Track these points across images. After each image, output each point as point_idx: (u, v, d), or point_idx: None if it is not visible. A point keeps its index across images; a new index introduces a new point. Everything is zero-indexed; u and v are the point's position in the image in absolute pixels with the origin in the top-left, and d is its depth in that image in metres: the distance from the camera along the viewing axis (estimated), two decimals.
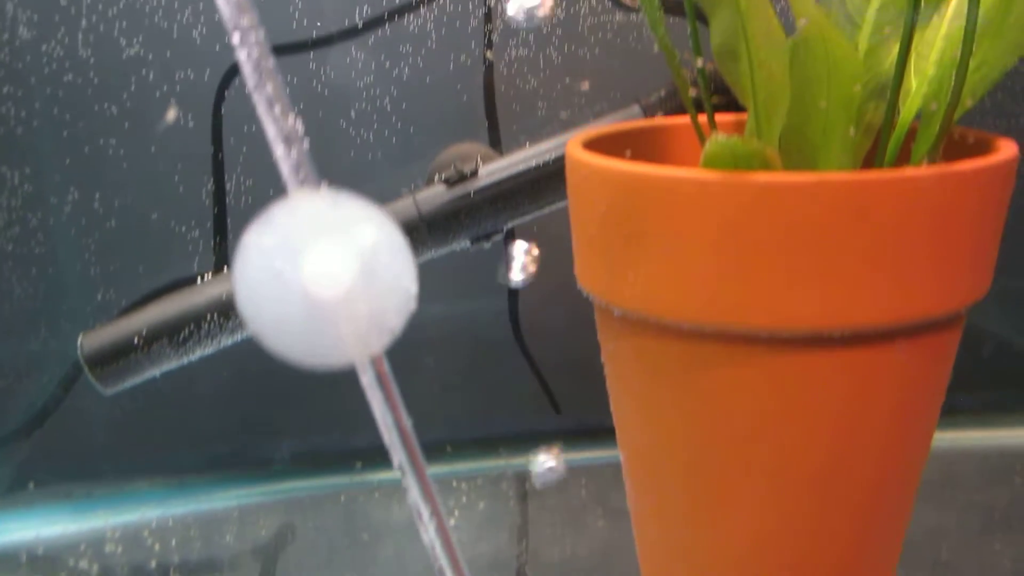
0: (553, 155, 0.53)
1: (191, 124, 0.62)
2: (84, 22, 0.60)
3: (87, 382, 0.55)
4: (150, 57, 0.61)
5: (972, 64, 0.36)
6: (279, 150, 0.23)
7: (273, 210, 0.21)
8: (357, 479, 0.66)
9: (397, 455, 0.26)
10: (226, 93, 0.59)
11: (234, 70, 0.59)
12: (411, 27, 0.62)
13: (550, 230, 0.54)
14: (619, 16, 0.63)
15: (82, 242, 0.64)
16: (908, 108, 0.40)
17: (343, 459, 0.67)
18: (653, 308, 0.36)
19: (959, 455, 0.65)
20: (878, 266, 0.33)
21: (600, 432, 0.52)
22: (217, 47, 0.61)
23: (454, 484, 0.64)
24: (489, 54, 0.61)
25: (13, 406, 0.65)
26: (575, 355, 0.53)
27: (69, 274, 0.65)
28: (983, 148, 0.38)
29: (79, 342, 0.54)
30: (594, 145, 0.42)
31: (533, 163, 0.53)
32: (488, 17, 0.61)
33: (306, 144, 0.23)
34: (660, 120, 0.49)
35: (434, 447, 0.68)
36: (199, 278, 0.56)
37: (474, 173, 0.53)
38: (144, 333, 0.54)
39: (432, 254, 0.55)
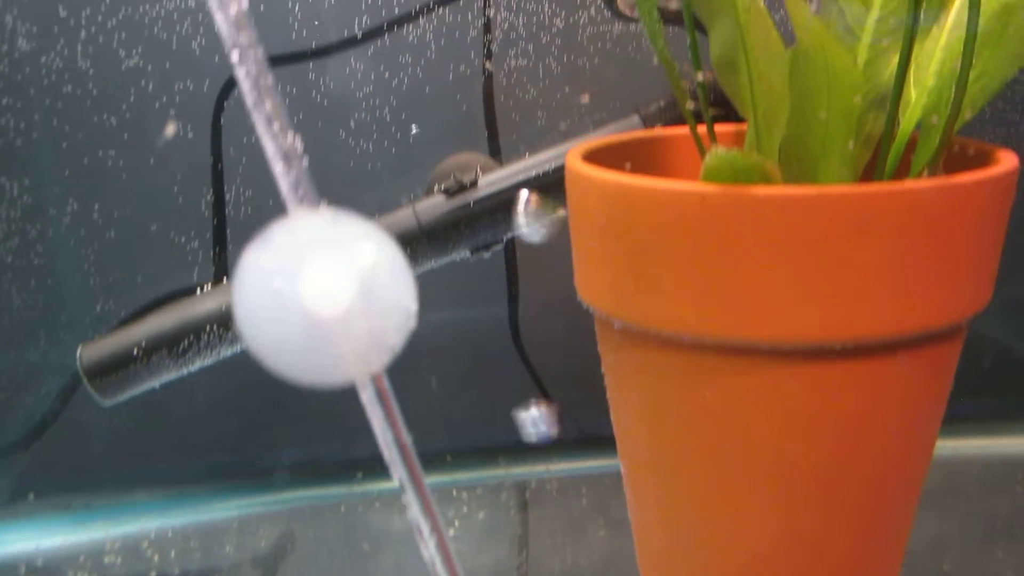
0: (553, 165, 0.53)
1: (190, 135, 0.62)
2: (83, 33, 0.60)
3: (86, 393, 0.55)
4: (149, 68, 0.61)
5: (972, 75, 0.36)
6: (278, 167, 0.23)
7: (272, 229, 0.21)
8: (357, 489, 0.65)
9: (398, 472, 0.26)
10: (225, 104, 0.59)
11: (233, 81, 0.59)
12: (410, 37, 0.62)
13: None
14: (618, 26, 0.63)
15: (81, 253, 0.64)
16: (908, 119, 0.40)
17: (343, 469, 0.67)
18: (654, 320, 0.36)
19: (961, 463, 0.65)
20: (879, 278, 0.33)
21: (600, 440, 0.52)
22: (216, 58, 0.61)
23: (454, 494, 0.64)
24: (488, 64, 0.61)
25: (12, 417, 0.65)
26: (575, 363, 0.53)
27: (68, 285, 0.65)
28: (983, 160, 0.38)
29: (78, 353, 0.54)
30: (594, 157, 0.42)
31: (533, 173, 0.53)
32: (487, 27, 0.61)
33: (305, 161, 0.23)
34: (660, 131, 0.49)
35: (434, 456, 0.68)
36: (198, 289, 0.56)
37: (474, 183, 0.53)
38: (143, 344, 0.54)
39: (432, 264, 0.55)
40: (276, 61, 0.60)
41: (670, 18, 0.52)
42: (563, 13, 0.63)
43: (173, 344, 0.54)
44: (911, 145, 0.40)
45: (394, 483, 0.26)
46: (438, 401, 0.69)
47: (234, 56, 0.22)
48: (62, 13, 0.60)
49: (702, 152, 0.43)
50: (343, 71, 0.63)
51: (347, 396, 0.28)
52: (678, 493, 0.40)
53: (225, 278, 0.59)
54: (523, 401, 0.67)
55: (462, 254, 0.55)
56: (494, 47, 0.61)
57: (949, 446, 0.66)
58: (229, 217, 0.61)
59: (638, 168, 0.45)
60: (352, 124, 0.64)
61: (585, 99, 0.63)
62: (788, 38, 0.36)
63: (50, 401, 0.63)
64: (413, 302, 0.22)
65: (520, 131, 0.63)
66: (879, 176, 0.39)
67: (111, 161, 0.63)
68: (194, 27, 0.60)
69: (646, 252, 0.35)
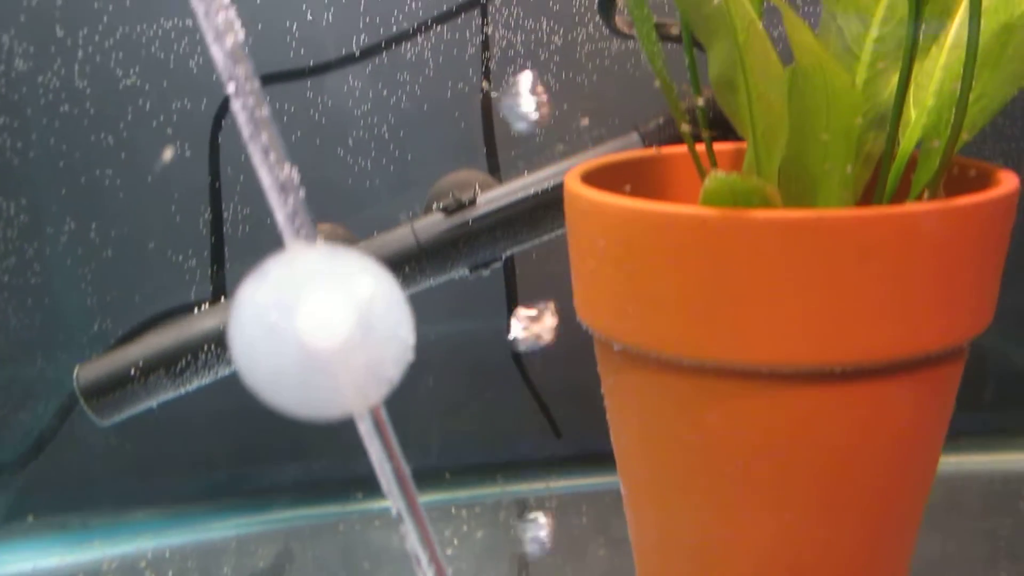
0: (552, 183, 0.53)
1: (188, 153, 0.62)
2: (80, 53, 0.60)
3: (83, 412, 0.55)
4: (147, 87, 0.61)
5: (972, 96, 0.36)
6: (274, 199, 0.23)
7: (268, 264, 0.21)
8: (356, 508, 0.65)
9: (396, 503, 0.26)
10: (223, 122, 0.59)
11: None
12: (408, 55, 0.62)
13: (549, 244, 0.55)
14: (617, 43, 0.63)
15: (79, 272, 0.64)
16: (908, 138, 0.40)
17: (342, 488, 0.66)
18: (653, 343, 0.36)
19: (962, 479, 0.65)
20: (879, 302, 0.33)
21: (601, 457, 0.52)
22: (214, 76, 0.60)
23: (453, 511, 0.64)
24: (485, 85, 0.61)
25: (9, 436, 0.65)
26: (575, 378, 0.53)
27: (66, 304, 0.65)
28: (984, 181, 0.38)
29: (75, 374, 0.54)
30: (593, 178, 0.42)
31: (532, 191, 0.53)
32: (485, 45, 0.61)
33: (302, 192, 0.23)
34: (659, 151, 0.49)
35: (432, 474, 0.68)
36: (196, 308, 0.56)
37: (472, 202, 0.53)
38: (141, 364, 0.53)
39: (430, 282, 0.55)
40: (274, 79, 0.60)
41: (670, 38, 0.52)
42: (561, 31, 0.63)
43: (171, 364, 0.54)
44: (911, 164, 0.40)
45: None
46: (436, 416, 0.69)
47: (230, 88, 0.22)
48: (59, 33, 0.60)
49: (701, 173, 0.43)
50: (341, 89, 0.62)
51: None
52: (677, 515, 0.40)
53: (223, 297, 0.59)
54: (521, 415, 0.67)
55: (461, 272, 0.55)
56: (492, 64, 0.61)
57: (951, 462, 0.65)
58: (227, 235, 0.60)
59: (638, 188, 0.45)
60: (350, 142, 0.64)
61: (585, 121, 0.63)
62: (786, 57, 0.36)
63: (47, 420, 0.62)
64: (410, 334, 0.22)
65: (519, 148, 0.63)
66: (879, 196, 0.39)
67: (108, 180, 0.63)
68: (191, 46, 0.60)
69: (646, 275, 0.35)
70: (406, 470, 0.25)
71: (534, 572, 0.57)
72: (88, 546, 0.62)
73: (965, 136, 0.37)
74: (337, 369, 0.21)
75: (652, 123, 0.55)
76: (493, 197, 0.53)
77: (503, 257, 0.55)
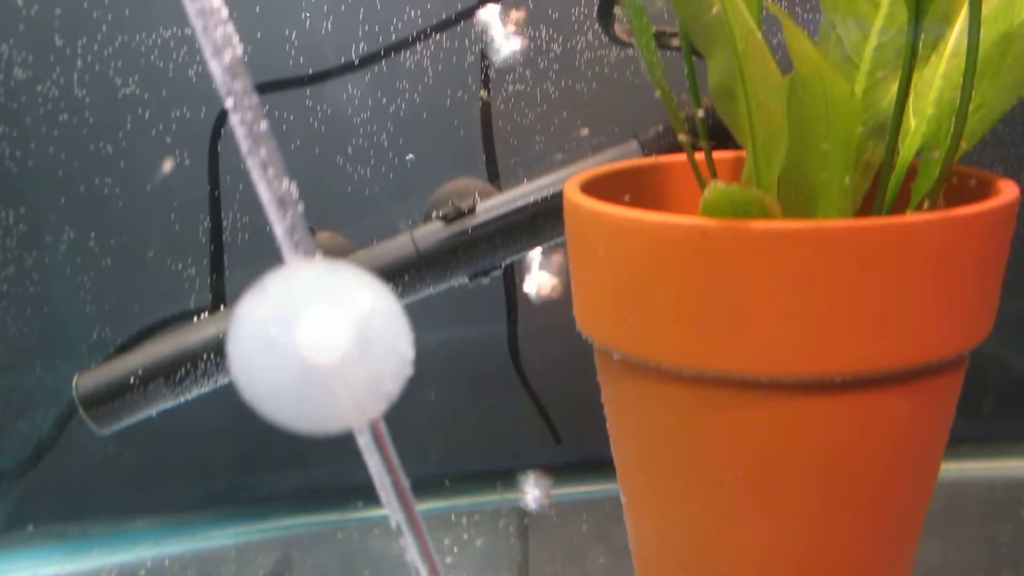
0: (551, 191, 0.53)
1: (187, 162, 0.62)
2: (79, 62, 0.60)
3: (82, 421, 0.55)
4: (146, 96, 0.61)
5: (971, 105, 0.36)
6: (273, 213, 0.23)
7: (267, 280, 0.21)
8: (356, 516, 0.65)
9: (395, 516, 0.26)
10: (222, 131, 0.59)
11: None
12: (408, 63, 0.62)
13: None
14: (616, 51, 0.63)
15: (78, 280, 0.64)
16: (907, 147, 0.40)
17: (341, 496, 0.66)
18: (653, 353, 0.36)
19: (963, 486, 0.65)
20: (879, 312, 0.33)
21: (601, 464, 0.52)
22: (213, 85, 0.61)
23: (452, 519, 0.63)
24: (484, 93, 0.61)
25: (8, 445, 0.65)
26: (575, 385, 0.53)
27: (65, 312, 0.65)
28: (983, 190, 0.38)
29: (74, 383, 0.54)
30: (592, 187, 0.42)
31: (531, 199, 0.53)
32: (484, 53, 0.61)
33: (301, 207, 0.22)
34: (658, 159, 0.49)
35: (432, 481, 0.68)
36: (195, 316, 0.56)
37: (472, 210, 0.53)
38: (140, 373, 0.53)
39: (430, 290, 0.55)
40: (274, 87, 0.60)
41: (669, 47, 0.51)
42: (560, 39, 0.63)
43: (170, 372, 0.53)
44: (911, 174, 0.40)
45: None
46: (436, 423, 0.69)
47: (229, 103, 0.22)
48: (58, 42, 0.60)
49: (701, 183, 0.43)
50: (341, 97, 0.62)
51: None
52: (677, 524, 0.40)
53: (223, 305, 0.59)
54: (521, 422, 0.67)
55: (460, 280, 0.55)
56: (492, 72, 0.61)
57: (952, 468, 0.65)
58: (226, 243, 0.60)
59: (637, 197, 0.45)
60: (350, 150, 0.64)
61: (584, 130, 0.62)
62: (785, 66, 0.36)
63: (46, 429, 0.62)
64: (409, 349, 0.22)
65: (519, 155, 0.63)
66: (878, 206, 0.39)
67: (107, 188, 0.63)
68: (190, 55, 0.60)
69: (646, 285, 0.35)
70: (405, 483, 0.25)
71: None
72: (87, 555, 0.62)
73: (965, 145, 0.37)
74: (336, 384, 0.21)
75: (651, 131, 0.55)
76: (492, 205, 0.53)
77: (502, 265, 0.55)
